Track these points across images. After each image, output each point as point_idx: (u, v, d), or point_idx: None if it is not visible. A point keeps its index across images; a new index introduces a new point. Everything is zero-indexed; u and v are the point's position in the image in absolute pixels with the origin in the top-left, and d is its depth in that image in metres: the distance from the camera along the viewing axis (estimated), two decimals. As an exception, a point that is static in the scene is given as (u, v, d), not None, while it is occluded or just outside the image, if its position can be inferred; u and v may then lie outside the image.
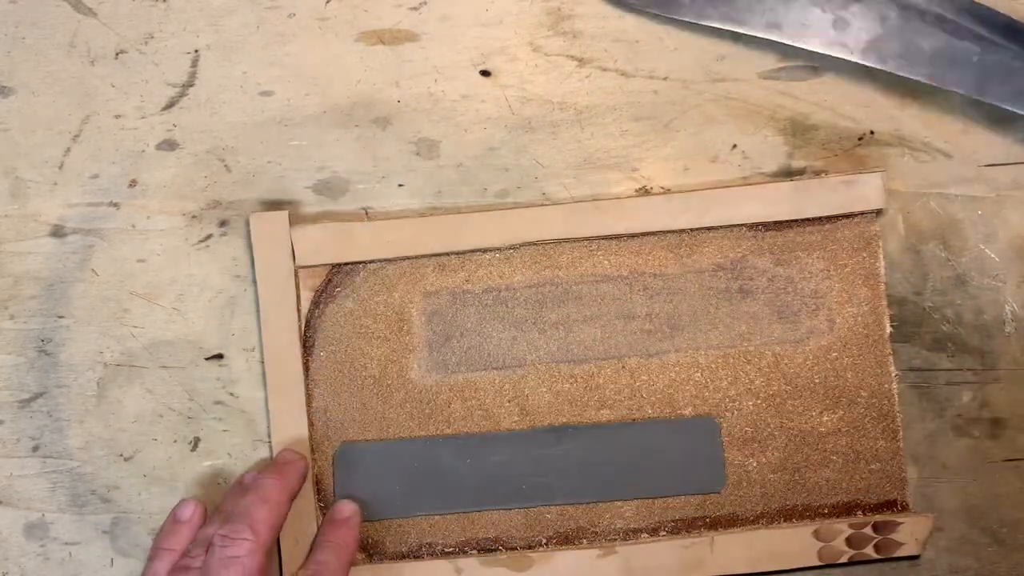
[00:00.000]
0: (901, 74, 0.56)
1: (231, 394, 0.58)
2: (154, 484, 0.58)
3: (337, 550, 0.55)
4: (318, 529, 0.57)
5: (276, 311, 0.57)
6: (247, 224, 0.58)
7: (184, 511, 0.55)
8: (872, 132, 0.58)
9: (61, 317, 0.58)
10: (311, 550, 0.56)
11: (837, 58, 0.57)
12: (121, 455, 0.58)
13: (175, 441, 0.58)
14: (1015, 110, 0.56)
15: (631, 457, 0.58)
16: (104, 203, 0.58)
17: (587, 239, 0.58)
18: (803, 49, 0.57)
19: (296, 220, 0.58)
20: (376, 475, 0.58)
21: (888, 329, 0.58)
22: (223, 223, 0.58)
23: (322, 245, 0.57)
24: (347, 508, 0.57)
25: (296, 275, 0.58)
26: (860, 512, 0.58)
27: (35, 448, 0.58)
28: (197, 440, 0.58)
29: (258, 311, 0.57)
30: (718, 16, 0.57)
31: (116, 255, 0.58)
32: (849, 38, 0.56)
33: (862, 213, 0.58)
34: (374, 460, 0.58)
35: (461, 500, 0.58)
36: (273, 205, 0.58)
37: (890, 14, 0.56)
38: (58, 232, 0.58)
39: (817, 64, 0.58)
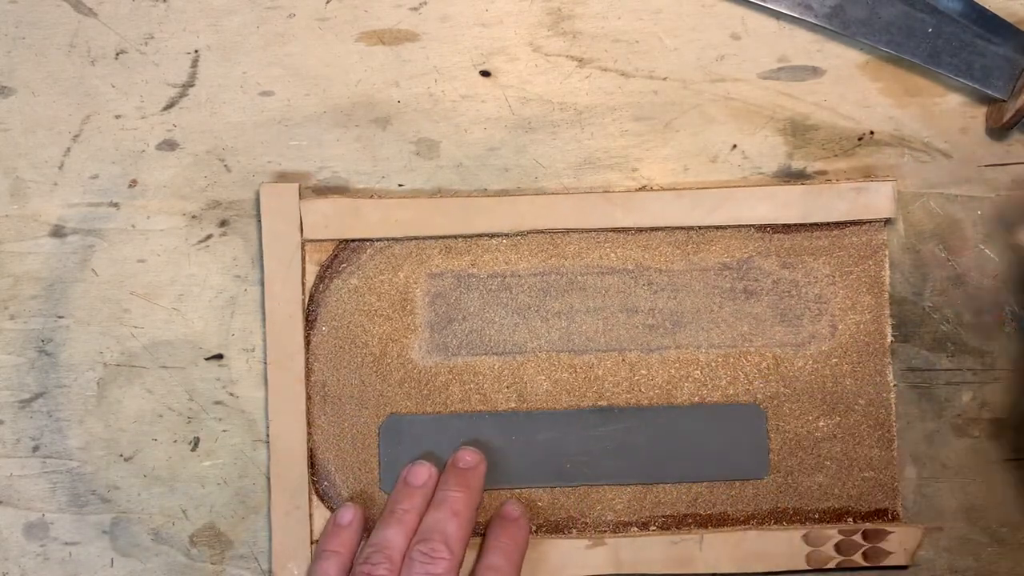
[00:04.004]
0: (861, 39, 0.57)
1: (231, 394, 0.58)
2: (154, 484, 0.58)
3: (508, 552, 0.54)
4: (486, 529, 0.56)
5: (280, 283, 0.57)
6: (256, 201, 0.58)
7: (345, 515, 0.56)
8: (872, 132, 0.58)
9: (61, 317, 0.58)
10: (480, 553, 0.55)
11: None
12: (121, 455, 0.58)
13: (175, 441, 0.58)
14: (964, 81, 0.57)
15: (675, 441, 0.58)
16: (104, 203, 0.58)
17: (595, 230, 0.58)
18: (770, 8, 0.57)
19: (306, 194, 0.58)
20: (421, 448, 0.58)
21: (889, 338, 0.58)
22: (223, 223, 0.58)
23: (331, 220, 0.57)
24: (516, 508, 0.56)
25: (303, 248, 0.58)
26: (851, 519, 0.58)
27: (35, 448, 0.58)
28: (197, 440, 0.58)
29: (263, 283, 0.57)
30: None
31: (116, 255, 0.58)
32: (814, 1, 0.57)
33: (871, 221, 0.58)
34: (420, 433, 0.58)
35: (505, 476, 0.58)
36: (273, 205, 0.58)
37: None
38: (58, 232, 0.58)
39: (817, 64, 0.58)
